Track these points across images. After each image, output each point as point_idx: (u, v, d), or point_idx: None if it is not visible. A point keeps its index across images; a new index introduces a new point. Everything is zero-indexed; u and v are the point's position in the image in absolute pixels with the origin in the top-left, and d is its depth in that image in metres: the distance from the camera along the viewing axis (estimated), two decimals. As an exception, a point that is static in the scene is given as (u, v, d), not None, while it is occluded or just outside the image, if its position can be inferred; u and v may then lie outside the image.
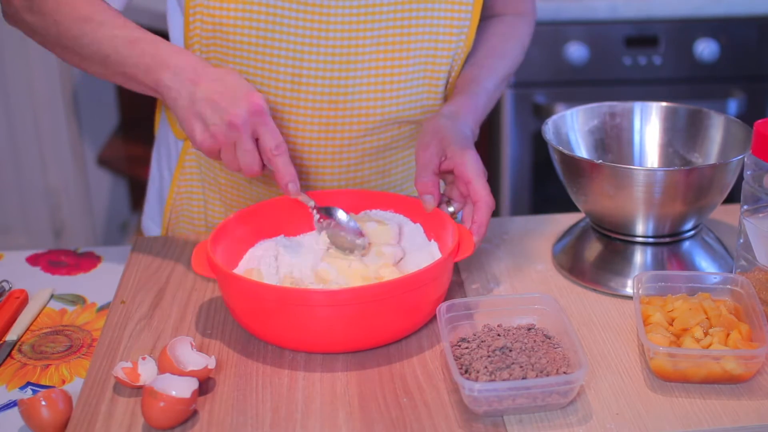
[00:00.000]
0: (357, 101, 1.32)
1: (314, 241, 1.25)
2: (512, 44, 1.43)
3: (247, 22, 1.26)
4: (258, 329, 1.12)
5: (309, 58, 1.29)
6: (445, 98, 1.38)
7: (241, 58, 1.29)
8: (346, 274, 1.17)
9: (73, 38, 1.20)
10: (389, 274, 1.15)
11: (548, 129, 1.29)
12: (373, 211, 1.29)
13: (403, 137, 1.39)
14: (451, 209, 1.24)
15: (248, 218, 1.24)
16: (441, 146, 1.23)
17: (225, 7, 1.26)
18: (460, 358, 1.05)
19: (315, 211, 1.23)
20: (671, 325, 1.10)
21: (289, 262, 1.20)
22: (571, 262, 1.28)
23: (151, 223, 1.54)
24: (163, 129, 1.49)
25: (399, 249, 1.22)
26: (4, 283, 1.30)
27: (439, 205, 1.24)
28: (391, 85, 1.32)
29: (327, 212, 1.23)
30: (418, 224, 1.26)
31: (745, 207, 1.15)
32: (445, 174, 1.25)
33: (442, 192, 1.26)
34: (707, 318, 1.09)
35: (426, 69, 1.34)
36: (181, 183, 1.45)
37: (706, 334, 1.07)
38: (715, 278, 1.16)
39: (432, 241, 1.24)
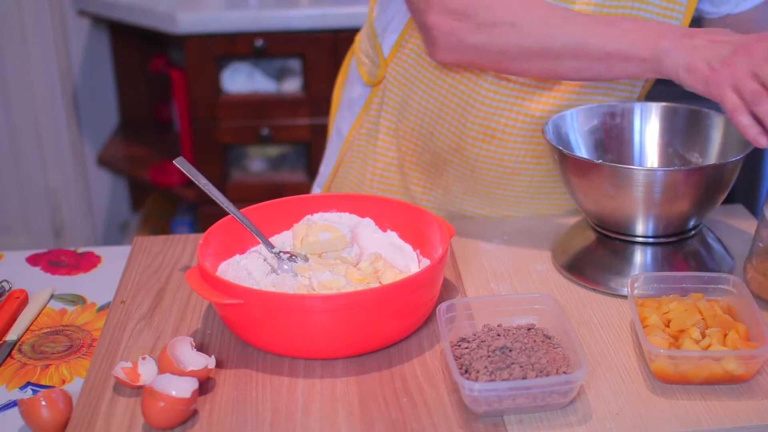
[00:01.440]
0: None
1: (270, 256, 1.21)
2: None
3: None
4: (255, 339, 1.11)
5: None
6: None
7: None
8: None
9: (540, 37, 1.23)
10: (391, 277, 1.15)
11: (548, 129, 1.29)
12: (316, 215, 1.25)
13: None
14: None
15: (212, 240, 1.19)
16: None
17: None
18: (460, 358, 1.05)
19: (278, 256, 1.19)
20: (668, 326, 1.10)
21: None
22: (571, 262, 1.28)
23: (317, 187, 1.60)
24: (350, 84, 1.54)
25: (356, 248, 1.21)
26: (4, 283, 1.30)
27: None
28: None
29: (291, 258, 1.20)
30: (367, 218, 1.25)
31: None
32: None
33: None
34: (703, 319, 1.09)
35: None
36: (365, 123, 1.49)
37: (703, 335, 1.07)
38: (707, 278, 1.15)
39: (388, 231, 1.24)
